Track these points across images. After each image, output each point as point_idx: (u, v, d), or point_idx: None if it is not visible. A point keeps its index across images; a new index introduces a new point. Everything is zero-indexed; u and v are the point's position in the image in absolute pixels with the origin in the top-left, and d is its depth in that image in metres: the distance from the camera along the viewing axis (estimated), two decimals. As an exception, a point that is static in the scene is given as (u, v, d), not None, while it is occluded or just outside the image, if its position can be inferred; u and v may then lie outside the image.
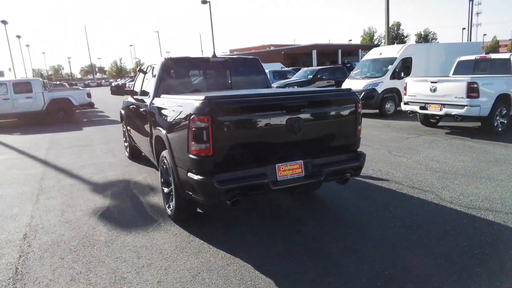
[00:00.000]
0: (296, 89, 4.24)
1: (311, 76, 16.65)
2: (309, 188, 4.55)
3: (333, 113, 3.68)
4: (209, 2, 34.87)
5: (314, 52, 48.46)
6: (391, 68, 11.94)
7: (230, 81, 5.06)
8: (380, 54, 12.90)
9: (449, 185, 4.91)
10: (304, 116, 3.44)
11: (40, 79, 16.00)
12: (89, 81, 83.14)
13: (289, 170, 3.47)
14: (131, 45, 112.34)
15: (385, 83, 11.77)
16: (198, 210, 4.25)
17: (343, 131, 3.78)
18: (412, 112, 9.20)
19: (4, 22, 38.34)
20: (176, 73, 4.78)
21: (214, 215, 4.23)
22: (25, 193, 5.27)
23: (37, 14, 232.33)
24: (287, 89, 4.23)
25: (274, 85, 16.69)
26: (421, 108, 8.84)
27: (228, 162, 3.21)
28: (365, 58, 13.65)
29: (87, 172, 6.34)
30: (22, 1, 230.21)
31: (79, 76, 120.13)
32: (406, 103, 9.36)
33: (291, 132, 3.38)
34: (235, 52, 65.45)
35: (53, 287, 2.84)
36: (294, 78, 17.55)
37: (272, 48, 55.50)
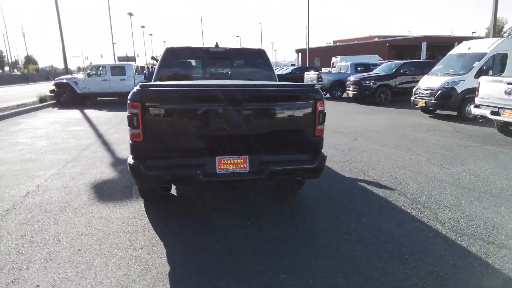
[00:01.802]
0: (243, 82, 3.99)
1: (393, 70, 15.27)
2: (254, 184, 4.27)
3: (284, 109, 3.41)
4: (308, -8, 34.33)
5: (424, 45, 43.93)
6: (477, 65, 10.23)
7: (229, 72, 5.05)
8: (469, 48, 11.13)
9: (461, 204, 4.14)
10: (247, 110, 3.29)
11: (134, 64, 18.06)
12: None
13: (231, 164, 3.38)
14: (238, 36, 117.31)
15: (468, 81, 10.16)
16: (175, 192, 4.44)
17: (299, 130, 3.48)
18: (482, 117, 7.83)
19: (130, 14, 43.88)
20: (177, 61, 4.97)
21: (183, 200, 4.36)
22: (61, 159, 6.16)
23: (160, 7, 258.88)
24: (234, 82, 4.02)
25: (351, 78, 15.83)
26: (493, 113, 7.46)
27: (161, 150, 3.28)
28: (451, 52, 11.93)
29: (123, 147, 7.06)
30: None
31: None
32: (476, 106, 8.01)
33: (231, 126, 3.28)
34: (337, 43, 63.42)
35: (5, 237, 3.35)
36: (375, 71, 16.30)
37: (376, 39, 52.09)
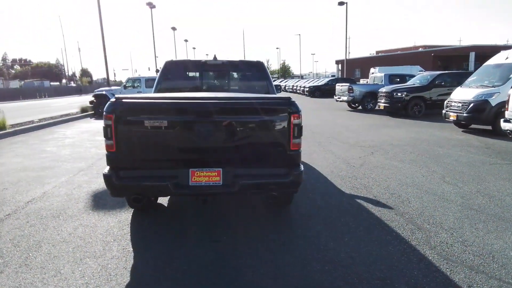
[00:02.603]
0: (215, 94, 3.97)
1: (428, 82, 14.56)
2: (226, 197, 4.20)
3: (258, 122, 3.36)
4: (346, 3, 33.97)
5: (472, 55, 41.57)
6: (514, 76, 9.50)
7: (227, 84, 5.08)
8: (507, 58, 10.36)
9: (462, 227, 3.82)
10: (219, 123, 3.28)
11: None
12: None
13: (204, 176, 3.37)
14: (277, 48, 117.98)
15: (503, 94, 9.41)
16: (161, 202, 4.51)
17: (273, 143, 3.40)
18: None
19: (174, 29, 45.88)
20: (175, 74, 5.10)
21: (172, 211, 4.41)
22: (76, 168, 6.50)
23: (203, 21, 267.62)
24: (206, 95, 4.02)
25: (382, 89, 15.32)
26: (524, 128, 6.85)
27: (134, 161, 3.36)
28: (487, 62, 11.16)
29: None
30: (189, 11, 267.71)
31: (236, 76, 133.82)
32: (506, 121, 7.40)
33: (204, 138, 3.28)
34: (379, 54, 61.81)
35: (-3, 241, 3.57)
36: (409, 83, 15.63)
37: (420, 49, 50.09)
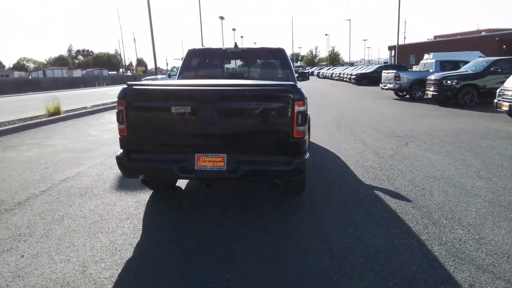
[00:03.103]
0: (218, 81, 3.99)
1: (482, 69, 13.41)
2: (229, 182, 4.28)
3: (259, 109, 3.35)
4: (400, -15, 32.06)
5: (546, 38, 37.51)
6: None
7: (247, 71, 5.09)
8: None
9: (483, 224, 3.57)
10: (223, 109, 3.33)
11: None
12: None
13: (209, 161, 3.46)
14: (326, 34, 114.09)
15: None
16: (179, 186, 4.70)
17: (276, 131, 3.38)
18: None
19: (221, 18, 46.41)
20: (197, 62, 5.20)
21: (188, 194, 4.59)
22: (112, 151, 6.93)
23: (251, 9, 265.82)
24: (210, 82, 4.05)
25: (431, 76, 14.39)
26: None
27: (144, 144, 3.53)
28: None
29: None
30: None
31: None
32: None
33: (209, 124, 3.36)
34: (437, 39, 57.80)
35: (27, 212, 3.97)
36: (461, 70, 14.50)
37: (483, 33, 46.05)
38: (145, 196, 4.45)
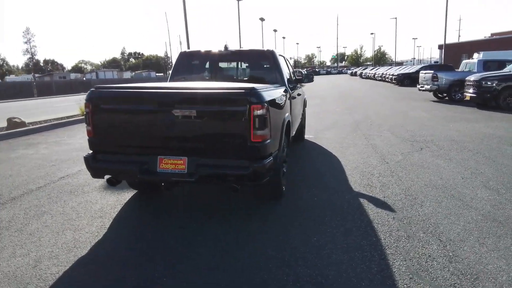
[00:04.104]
0: (179, 84, 3.93)
1: (528, 68, 12.22)
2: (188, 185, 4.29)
3: (217, 113, 3.28)
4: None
5: None
6: None
7: (236, 73, 5.04)
8: None
9: (465, 240, 3.25)
10: (180, 112, 3.32)
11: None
12: (331, 69, 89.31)
13: (171, 164, 3.47)
14: (372, 33, 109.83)
15: None
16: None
17: (234, 135, 3.30)
18: None
19: (262, 19, 46.63)
20: (187, 64, 5.24)
21: (172, 195, 4.63)
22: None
23: (291, 11, 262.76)
24: (169, 84, 4.00)
25: (470, 77, 13.39)
26: None
27: (109, 146, 3.61)
28: None
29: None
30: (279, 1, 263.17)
31: (328, 63, 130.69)
32: None
33: (167, 127, 3.37)
34: (494, 36, 53.60)
35: (14, 209, 4.23)
36: (505, 70, 13.29)
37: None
38: (127, 196, 4.56)
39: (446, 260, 2.94)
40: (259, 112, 3.21)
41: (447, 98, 16.03)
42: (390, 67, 43.95)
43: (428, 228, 3.52)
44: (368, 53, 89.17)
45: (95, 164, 3.58)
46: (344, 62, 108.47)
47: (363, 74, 50.92)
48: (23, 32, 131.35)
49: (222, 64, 5.33)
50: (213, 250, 3.17)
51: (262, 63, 5.14)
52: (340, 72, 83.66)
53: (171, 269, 2.88)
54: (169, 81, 5.25)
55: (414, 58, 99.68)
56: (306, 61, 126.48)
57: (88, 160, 3.61)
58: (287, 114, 4.27)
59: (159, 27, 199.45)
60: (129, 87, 3.60)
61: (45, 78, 59.28)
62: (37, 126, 10.21)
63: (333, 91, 25.55)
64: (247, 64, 5.23)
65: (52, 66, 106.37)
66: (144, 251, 3.19)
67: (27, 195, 4.69)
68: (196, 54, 5.29)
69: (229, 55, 5.11)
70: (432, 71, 16.12)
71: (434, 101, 15.86)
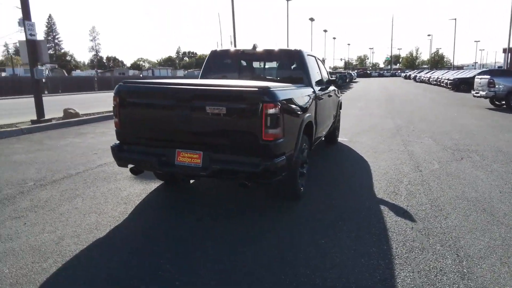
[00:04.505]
0: (195, 81, 3.97)
1: None
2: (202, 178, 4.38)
3: (230, 110, 3.34)
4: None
5: None
6: None
7: (263, 73, 5.08)
8: None
9: (485, 257, 3.06)
10: (194, 109, 3.44)
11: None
12: (384, 71, 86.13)
13: (188, 157, 3.62)
14: (429, 35, 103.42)
15: None
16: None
17: (246, 132, 3.35)
18: None
19: (311, 19, 46.15)
20: (217, 63, 5.37)
21: (192, 188, 4.80)
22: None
23: (343, 11, 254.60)
24: (189, 81, 4.07)
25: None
26: None
27: (134, 137, 3.83)
28: None
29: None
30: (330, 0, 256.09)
31: (381, 65, 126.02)
32: None
33: (184, 122, 3.51)
34: None
35: (53, 191, 4.63)
36: None
37: None
38: (154, 186, 4.80)
39: (458, 276, 2.78)
40: (271, 111, 3.25)
41: (505, 106, 14.83)
42: (447, 71, 41.43)
43: (447, 242, 3.34)
44: (425, 56, 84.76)
45: (120, 154, 3.82)
46: (398, 64, 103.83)
47: (417, 77, 48.54)
48: (89, 30, 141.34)
49: (252, 63, 5.39)
50: (222, 245, 3.25)
51: (289, 63, 5.14)
52: (393, 75, 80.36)
53: (176, 258, 3.02)
54: (200, 77, 5.43)
55: (476, 63, 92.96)
56: (357, 63, 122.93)
57: (114, 150, 3.86)
58: (308, 115, 4.24)
59: (212, 27, 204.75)
60: (152, 83, 3.80)
61: (106, 74, 63.52)
62: (89, 117, 11.00)
63: (381, 94, 24.66)
64: (275, 64, 5.26)
65: (114, 62, 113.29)
66: (157, 238, 3.36)
67: (66, 179, 5.12)
68: (226, 53, 5.42)
69: (257, 54, 5.17)
70: (488, 77, 14.98)
71: (489, 109, 14.75)
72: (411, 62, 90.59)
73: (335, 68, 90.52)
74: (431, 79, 38.55)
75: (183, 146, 3.64)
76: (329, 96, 6.06)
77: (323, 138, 6.91)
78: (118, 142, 3.94)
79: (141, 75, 67.85)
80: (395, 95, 24.31)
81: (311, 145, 4.75)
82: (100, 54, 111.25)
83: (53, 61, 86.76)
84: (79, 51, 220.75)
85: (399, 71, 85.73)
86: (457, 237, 3.42)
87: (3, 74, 53.41)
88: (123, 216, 3.84)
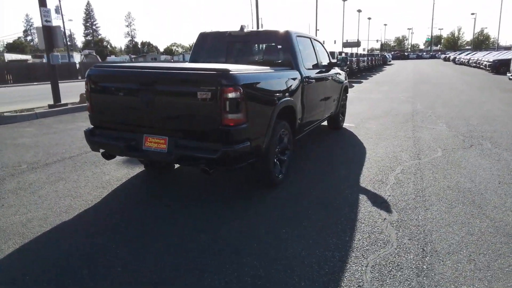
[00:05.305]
0: (155, 64, 3.84)
1: None
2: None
3: (189, 94, 3.25)
4: None
5: None
6: None
7: (250, 55, 4.91)
8: None
9: (454, 253, 2.84)
10: (157, 93, 3.39)
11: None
12: (423, 53, 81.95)
13: (154, 142, 3.59)
14: (473, 13, 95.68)
15: None
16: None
17: (206, 117, 3.26)
18: None
19: (359, 11, 44.34)
20: (205, 46, 5.25)
21: (175, 172, 4.81)
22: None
23: None
24: (152, 64, 3.94)
25: None
26: None
27: (106, 122, 3.85)
28: None
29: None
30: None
31: (422, 47, 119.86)
32: None
33: (148, 107, 3.47)
34: None
35: (42, 174, 4.79)
36: None
37: None
38: (136, 171, 4.85)
39: (414, 273, 2.59)
40: (231, 95, 3.13)
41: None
42: (489, 52, 38.67)
43: (418, 235, 3.12)
44: (468, 36, 79.42)
45: (92, 138, 3.87)
46: (439, 46, 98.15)
47: (456, 59, 45.69)
48: (125, 16, 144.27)
49: (240, 46, 5.22)
50: (181, 231, 3.23)
51: (276, 45, 4.94)
52: (433, 57, 76.11)
53: (129, 243, 3.03)
54: (189, 60, 5.36)
55: None
56: (395, 44, 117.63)
57: (86, 134, 3.91)
58: (286, 99, 4.07)
59: (243, 10, 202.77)
60: (120, 67, 3.78)
61: (139, 59, 64.98)
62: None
63: (412, 77, 23.50)
64: (260, 45, 5.07)
65: (148, 48, 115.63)
66: (119, 223, 3.39)
67: (58, 162, 5.29)
68: (214, 36, 5.29)
69: (244, 36, 5.00)
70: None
71: (527, 93, 13.64)
72: (453, 43, 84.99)
73: (371, 50, 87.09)
74: (470, 61, 36.19)
75: (150, 132, 3.61)
76: (326, 79, 5.80)
77: (323, 124, 6.67)
78: (92, 126, 3.98)
79: (171, 60, 68.89)
80: (427, 78, 23.07)
81: (295, 131, 4.58)
82: (135, 40, 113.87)
83: (90, 47, 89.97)
84: (116, 36, 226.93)
85: (439, 53, 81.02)
86: (430, 231, 3.19)
87: (44, 60, 56.07)
88: (96, 200, 3.91)
